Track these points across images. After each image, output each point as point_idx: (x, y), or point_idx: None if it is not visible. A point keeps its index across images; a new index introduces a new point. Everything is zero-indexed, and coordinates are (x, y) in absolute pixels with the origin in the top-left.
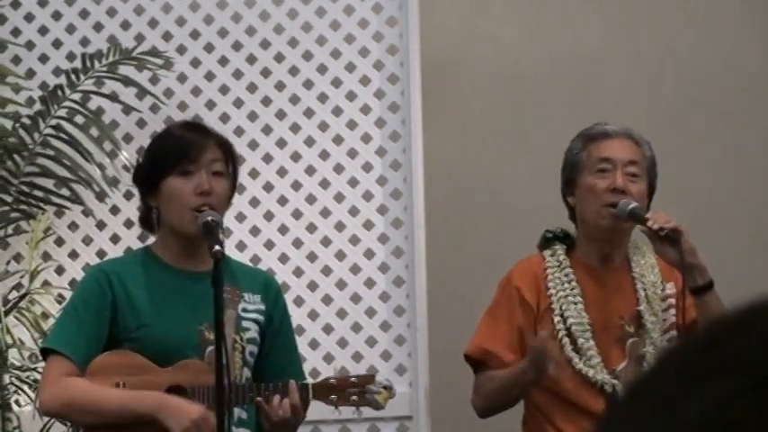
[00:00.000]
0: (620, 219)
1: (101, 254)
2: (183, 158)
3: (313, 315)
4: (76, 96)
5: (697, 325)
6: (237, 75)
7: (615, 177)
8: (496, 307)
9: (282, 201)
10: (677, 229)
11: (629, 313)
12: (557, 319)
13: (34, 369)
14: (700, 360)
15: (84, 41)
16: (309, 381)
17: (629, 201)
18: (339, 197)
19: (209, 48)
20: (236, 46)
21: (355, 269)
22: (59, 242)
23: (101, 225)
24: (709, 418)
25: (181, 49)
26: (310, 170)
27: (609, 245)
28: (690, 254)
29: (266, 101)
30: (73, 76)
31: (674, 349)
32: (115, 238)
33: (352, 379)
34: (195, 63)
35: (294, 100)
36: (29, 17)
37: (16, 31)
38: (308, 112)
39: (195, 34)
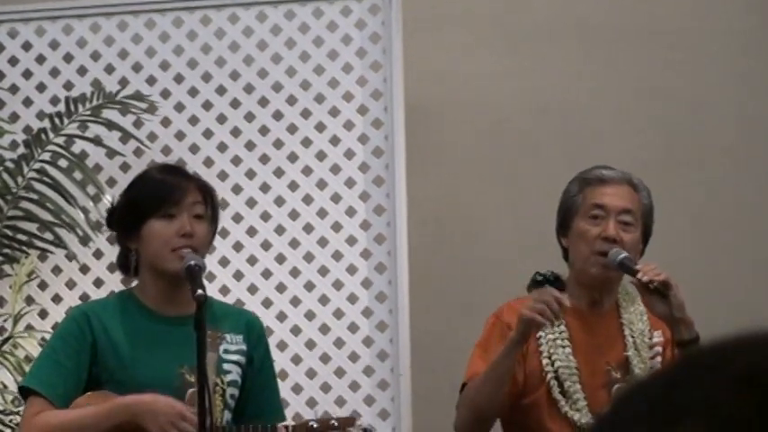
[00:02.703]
0: (609, 268)
1: (84, 297)
2: (166, 201)
3: (296, 359)
4: (60, 140)
5: None
6: (221, 119)
7: (607, 225)
8: (488, 340)
9: (266, 245)
10: (667, 283)
11: (617, 359)
12: (545, 361)
13: (17, 413)
14: (665, 402)
15: (68, 85)
16: (290, 423)
17: (620, 251)
18: (323, 242)
19: (192, 92)
20: (220, 90)
21: (338, 314)
22: (43, 286)
23: (84, 269)
24: None
25: (165, 93)
26: (294, 214)
27: (598, 291)
28: (678, 308)
29: (250, 145)
30: (57, 120)
31: (635, 390)
32: (98, 282)
33: (333, 421)
34: (179, 107)
35: (278, 144)
36: (12, 61)
37: (0, 75)
38: (292, 157)
39: (179, 78)
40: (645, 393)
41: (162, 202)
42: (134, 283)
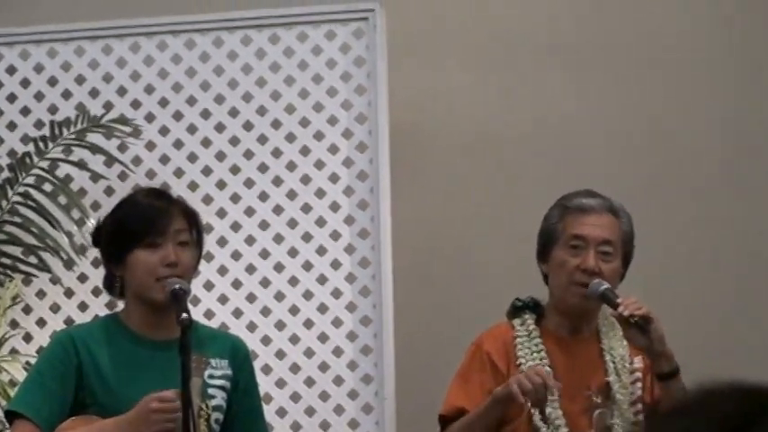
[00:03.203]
0: (590, 299)
1: (69, 321)
2: (150, 231)
3: (280, 383)
4: (45, 164)
5: (660, 405)
6: (206, 143)
7: (587, 257)
8: (468, 369)
9: (251, 269)
10: (647, 317)
11: (598, 384)
12: None
13: None
14: None
15: (53, 109)
16: None
17: (601, 282)
18: (307, 265)
19: (177, 116)
20: (205, 114)
21: (323, 337)
22: (27, 310)
23: (69, 293)
24: None
25: (149, 117)
26: (278, 238)
27: (578, 319)
28: (658, 342)
29: (234, 169)
30: (41, 144)
31: None
32: (83, 306)
33: None
34: (164, 131)
35: (262, 168)
36: None
37: None
38: (277, 181)
39: (164, 102)
40: None
41: (146, 232)
42: (119, 307)
